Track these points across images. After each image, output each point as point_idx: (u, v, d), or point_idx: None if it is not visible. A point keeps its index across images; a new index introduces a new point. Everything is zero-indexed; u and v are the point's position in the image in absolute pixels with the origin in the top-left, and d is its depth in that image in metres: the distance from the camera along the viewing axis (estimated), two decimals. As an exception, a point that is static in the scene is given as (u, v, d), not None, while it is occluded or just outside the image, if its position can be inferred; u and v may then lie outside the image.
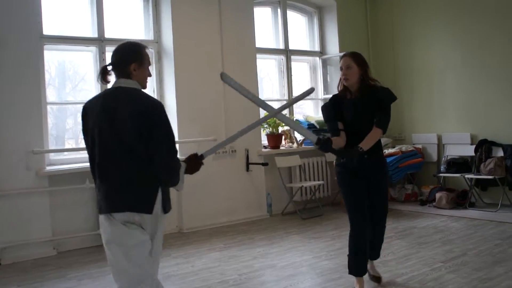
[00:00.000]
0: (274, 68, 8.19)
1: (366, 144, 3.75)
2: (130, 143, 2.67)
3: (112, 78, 2.89)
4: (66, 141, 6.48)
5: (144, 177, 2.72)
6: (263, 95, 8.09)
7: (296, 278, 4.43)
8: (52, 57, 6.26)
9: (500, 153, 7.06)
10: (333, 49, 8.49)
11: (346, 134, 3.90)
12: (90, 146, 2.83)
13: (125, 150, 2.69)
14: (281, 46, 8.12)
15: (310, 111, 8.62)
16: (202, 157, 3.05)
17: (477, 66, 7.46)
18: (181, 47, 6.58)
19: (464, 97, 7.65)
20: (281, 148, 7.60)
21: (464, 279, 4.18)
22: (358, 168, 3.81)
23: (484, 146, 7.21)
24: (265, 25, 8.08)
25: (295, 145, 7.80)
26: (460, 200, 7.29)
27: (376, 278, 4.21)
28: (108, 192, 2.73)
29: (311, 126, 7.84)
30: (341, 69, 3.92)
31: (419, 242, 5.47)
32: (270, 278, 4.46)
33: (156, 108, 2.71)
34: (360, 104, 3.88)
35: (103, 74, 2.87)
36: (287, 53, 8.13)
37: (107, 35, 6.32)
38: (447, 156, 7.70)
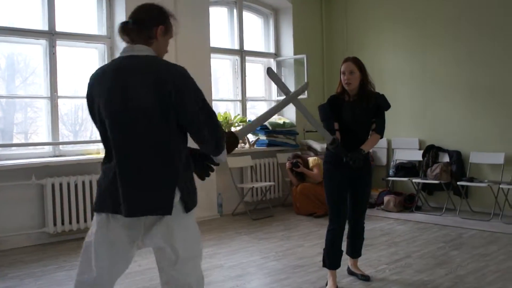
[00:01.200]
0: (229, 68, 8.19)
1: (367, 148, 3.97)
2: (156, 122, 2.25)
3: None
4: (14, 136, 6.29)
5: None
6: (218, 95, 8.09)
7: (243, 279, 4.43)
8: (1, 49, 6.07)
9: (446, 158, 7.26)
10: (288, 51, 8.56)
11: (341, 134, 4.00)
12: (103, 133, 2.36)
13: (150, 130, 2.27)
14: (236, 46, 8.12)
15: (263, 112, 8.63)
16: (237, 138, 2.70)
17: (428, 74, 7.65)
18: (134, 44, 6.48)
19: (414, 103, 7.83)
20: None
21: (407, 280, 4.29)
22: (344, 165, 3.87)
23: (431, 152, 7.41)
24: (220, 25, 8.06)
25: (247, 145, 7.82)
26: (407, 203, 7.46)
27: (365, 277, 4.32)
28: None
29: (263, 128, 7.87)
30: (343, 73, 4.03)
31: (365, 244, 5.43)
32: (217, 279, 4.44)
33: (184, 74, 2.30)
34: (359, 108, 4.02)
35: (123, 31, 2.38)
36: (241, 53, 8.14)
37: (58, 28, 6.17)
38: (396, 160, 7.87)
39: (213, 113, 2.37)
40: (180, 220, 2.35)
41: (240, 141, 7.57)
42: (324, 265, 4.13)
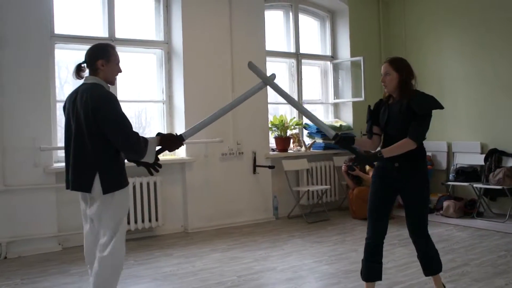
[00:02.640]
0: (285, 71, 8.20)
1: (388, 152, 3.62)
2: (84, 128, 3.12)
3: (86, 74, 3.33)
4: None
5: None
6: (276, 98, 8.11)
7: (294, 282, 4.43)
8: (66, 56, 6.32)
9: (510, 163, 7.00)
10: (345, 53, 8.48)
11: (383, 138, 3.85)
12: (65, 132, 3.29)
13: (81, 133, 3.15)
14: (292, 49, 8.13)
15: (320, 114, 8.60)
16: (181, 137, 3.39)
17: (489, 75, 7.40)
18: (191, 49, 6.62)
19: (476, 105, 7.59)
20: (289, 151, 7.61)
21: (463, 289, 4.17)
22: (388, 175, 3.74)
23: (494, 156, 7.16)
24: (276, 28, 8.10)
25: (303, 148, 7.81)
26: (468, 209, 7.23)
27: None
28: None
29: (319, 131, 7.83)
30: (382, 75, 3.86)
31: (422, 250, 5.43)
32: (268, 281, 4.47)
33: (107, 98, 3.11)
34: (394, 110, 3.78)
35: (77, 71, 3.30)
36: (297, 56, 8.14)
37: (118, 35, 6.39)
38: (456, 164, 7.65)
39: (126, 134, 3.08)
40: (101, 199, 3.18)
41: (296, 144, 7.57)
42: (361, 275, 3.90)
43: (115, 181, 3.18)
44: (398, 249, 5.49)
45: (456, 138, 7.82)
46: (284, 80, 8.21)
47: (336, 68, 8.60)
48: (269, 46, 7.52)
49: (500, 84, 7.28)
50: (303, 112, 4.01)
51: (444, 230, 6.41)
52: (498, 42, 7.28)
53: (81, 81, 3.35)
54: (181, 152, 6.64)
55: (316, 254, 5.36)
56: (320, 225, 6.89)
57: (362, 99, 8.08)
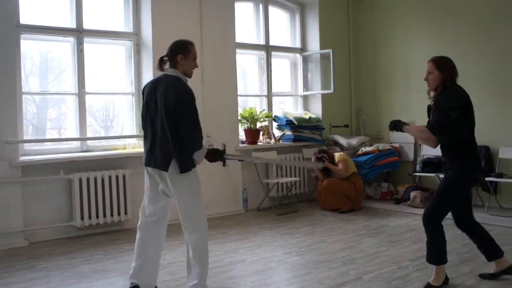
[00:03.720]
0: (255, 63, 8.20)
1: (409, 128, 4.10)
2: (164, 118, 3.55)
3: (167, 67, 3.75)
4: (48, 131, 6.42)
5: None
6: (247, 90, 8.13)
7: (264, 274, 4.45)
8: (33, 47, 6.20)
9: (474, 154, 7.13)
10: (314, 46, 8.52)
11: None
12: (143, 116, 3.77)
13: (162, 121, 3.58)
14: (262, 42, 8.13)
15: (289, 107, 8.66)
16: (222, 154, 3.85)
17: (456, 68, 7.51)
18: (160, 40, 6.53)
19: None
20: (258, 143, 7.62)
21: (429, 277, 4.23)
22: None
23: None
24: (246, 20, 8.08)
25: (272, 141, 7.83)
26: (435, 199, 7.36)
27: (428, 285, 4.06)
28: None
29: (289, 123, 7.87)
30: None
31: (390, 240, 5.53)
32: (238, 273, 4.48)
33: (188, 96, 3.57)
34: (432, 108, 3.97)
35: (160, 63, 3.74)
36: (267, 49, 8.14)
37: (86, 26, 6.28)
38: (423, 155, 7.77)
39: (194, 128, 3.56)
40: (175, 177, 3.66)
41: (265, 136, 7.58)
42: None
43: (188, 164, 3.61)
44: (367, 239, 5.56)
45: (423, 130, 7.93)
46: (253, 73, 8.22)
47: (305, 60, 8.63)
48: (239, 38, 7.51)
49: (468, 76, 7.36)
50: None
51: (411, 220, 6.52)
52: (466, 34, 7.40)
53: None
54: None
55: (286, 246, 5.39)
56: (289, 216, 6.93)
57: (331, 91, 8.14)
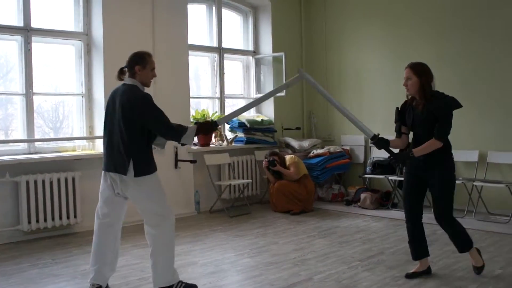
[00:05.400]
0: (207, 66, 8.18)
1: (418, 151, 4.09)
2: (121, 123, 3.76)
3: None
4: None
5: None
6: (199, 92, 8.10)
7: (217, 276, 4.46)
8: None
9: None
10: (267, 49, 8.58)
11: (413, 138, 4.27)
12: (104, 124, 3.95)
13: (120, 127, 3.79)
14: (215, 44, 8.12)
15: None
16: (216, 123, 4.04)
17: (401, 72, 7.65)
18: (111, 41, 6.46)
19: (392, 100, 7.84)
20: (211, 145, 7.62)
21: (378, 277, 4.34)
22: (415, 167, 4.22)
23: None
24: (199, 22, 8.06)
25: (225, 143, 7.83)
26: (384, 201, 7.54)
27: (477, 269, 4.34)
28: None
29: (241, 125, 7.89)
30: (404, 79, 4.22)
31: (340, 241, 5.62)
32: (190, 276, 4.45)
33: (143, 99, 3.77)
34: (417, 113, 4.17)
35: (119, 74, 3.95)
36: (220, 51, 8.14)
37: (34, 24, 6.13)
38: (373, 158, 7.93)
39: (167, 125, 3.80)
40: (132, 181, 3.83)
41: (218, 138, 7.60)
42: (411, 256, 4.39)
43: (144, 168, 3.81)
44: (318, 241, 5.64)
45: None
46: (206, 75, 8.20)
47: (258, 63, 8.68)
48: (191, 40, 7.48)
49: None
50: (343, 112, 4.42)
51: (361, 221, 6.65)
52: (415, 37, 7.60)
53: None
54: (100, 146, 6.48)
55: (237, 248, 5.41)
56: (241, 218, 6.95)
57: (283, 94, 8.20)
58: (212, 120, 4.12)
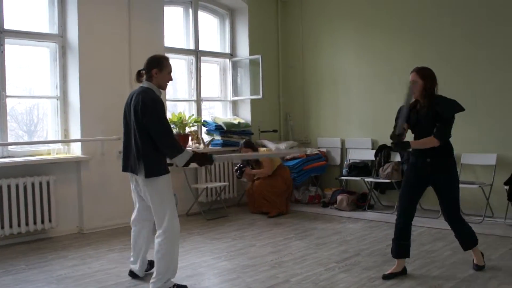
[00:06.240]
0: (184, 68, 8.16)
1: (415, 144, 4.33)
2: (134, 125, 3.94)
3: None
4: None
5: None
6: (176, 95, 8.06)
7: (194, 279, 4.43)
8: None
9: (397, 158, 7.41)
10: (244, 51, 8.59)
11: (414, 138, 4.44)
12: (123, 124, 4.11)
13: (133, 128, 3.96)
14: (191, 46, 8.10)
15: (218, 112, 8.67)
16: (212, 159, 4.20)
17: (380, 75, 7.78)
18: (87, 43, 6.40)
19: (368, 102, 7.96)
20: (187, 149, 7.56)
21: (354, 278, 4.37)
22: (421, 168, 4.38)
23: (383, 151, 7.54)
24: (176, 25, 8.03)
25: (201, 146, 7.81)
26: (360, 202, 7.59)
27: (477, 267, 4.53)
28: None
29: (218, 128, 7.88)
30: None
31: (317, 243, 5.64)
32: (167, 279, 4.43)
33: (151, 101, 3.87)
34: (420, 115, 4.36)
35: (137, 76, 4.11)
36: (197, 53, 8.12)
37: (7, 26, 6.03)
38: (349, 160, 7.99)
39: (165, 133, 3.87)
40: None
41: (194, 141, 7.54)
42: (391, 253, 4.51)
43: (154, 169, 3.94)
44: (295, 243, 5.65)
45: (349, 135, 8.17)
46: (183, 77, 8.17)
47: (235, 65, 8.67)
48: (168, 43, 7.45)
49: (390, 82, 7.61)
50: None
51: (338, 223, 6.69)
52: (392, 40, 7.67)
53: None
54: (76, 150, 6.42)
55: (215, 251, 5.39)
56: (219, 221, 6.94)
57: (260, 96, 8.22)
58: (210, 155, 4.21)
